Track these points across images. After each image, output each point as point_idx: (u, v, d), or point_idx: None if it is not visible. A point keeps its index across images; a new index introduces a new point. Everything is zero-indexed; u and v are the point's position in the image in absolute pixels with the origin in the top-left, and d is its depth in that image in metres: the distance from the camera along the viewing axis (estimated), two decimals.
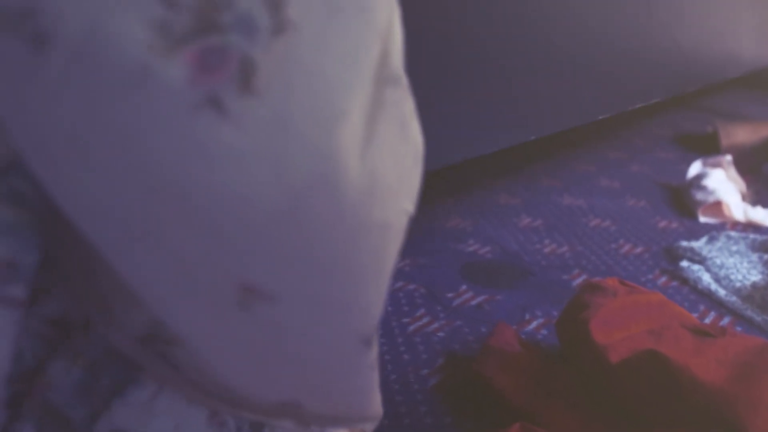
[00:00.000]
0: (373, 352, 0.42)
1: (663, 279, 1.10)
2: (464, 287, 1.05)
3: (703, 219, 1.37)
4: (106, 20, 0.29)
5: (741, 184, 1.49)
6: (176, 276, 0.35)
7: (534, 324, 0.94)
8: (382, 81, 0.35)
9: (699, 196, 1.41)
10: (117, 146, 0.30)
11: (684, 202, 1.46)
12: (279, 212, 0.33)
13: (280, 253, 0.34)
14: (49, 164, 0.32)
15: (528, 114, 1.19)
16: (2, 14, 0.29)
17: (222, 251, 0.33)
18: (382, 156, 0.35)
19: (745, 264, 1.11)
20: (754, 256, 1.14)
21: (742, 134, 1.80)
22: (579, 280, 1.09)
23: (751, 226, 1.34)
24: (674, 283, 1.08)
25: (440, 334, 0.91)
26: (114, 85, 0.29)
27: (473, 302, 1.00)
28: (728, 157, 1.53)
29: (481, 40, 0.97)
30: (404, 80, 0.37)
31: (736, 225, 1.34)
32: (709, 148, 1.90)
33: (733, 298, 1.02)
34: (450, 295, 1.02)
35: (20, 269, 0.35)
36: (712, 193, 1.39)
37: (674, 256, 1.18)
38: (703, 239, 1.24)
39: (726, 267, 1.10)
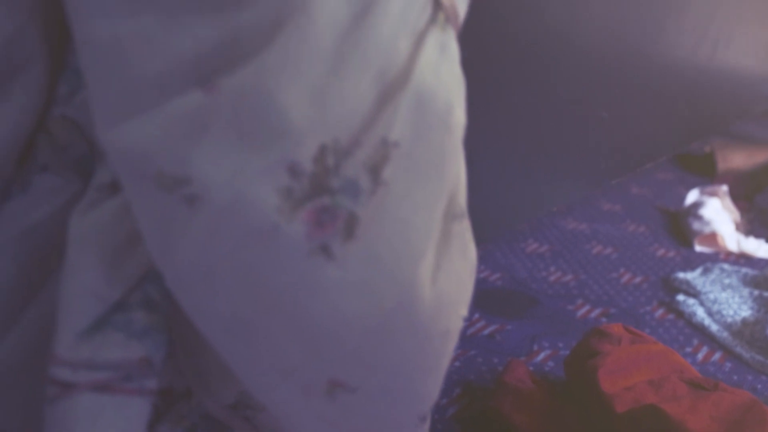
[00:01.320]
0: (427, 424, 0.50)
1: (660, 311, 1.18)
2: (477, 315, 1.13)
3: (698, 248, 1.46)
4: (246, 188, 0.37)
5: (735, 214, 1.58)
6: (277, 369, 0.43)
7: (541, 356, 1.03)
8: (450, 218, 0.43)
9: (696, 225, 1.49)
10: (247, 280, 0.38)
11: (681, 229, 1.55)
12: (368, 329, 0.41)
13: (366, 359, 0.42)
14: (187, 288, 0.40)
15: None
16: (163, 178, 0.37)
17: (320, 357, 0.41)
18: (448, 278, 0.43)
19: (737, 299, 1.20)
20: (746, 291, 1.22)
21: (738, 159, 1.88)
22: (583, 311, 1.17)
23: (743, 257, 1.42)
24: (671, 316, 1.17)
25: (456, 363, 0.99)
26: (250, 237, 0.37)
27: (485, 331, 1.09)
28: (724, 187, 1.62)
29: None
30: (466, 214, 0.45)
31: (729, 255, 1.43)
32: (706, 170, 1.98)
33: (725, 334, 1.10)
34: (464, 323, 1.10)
35: (154, 365, 0.42)
36: (708, 223, 1.48)
37: (671, 287, 1.26)
38: (698, 270, 1.32)
39: (719, 302, 1.19)
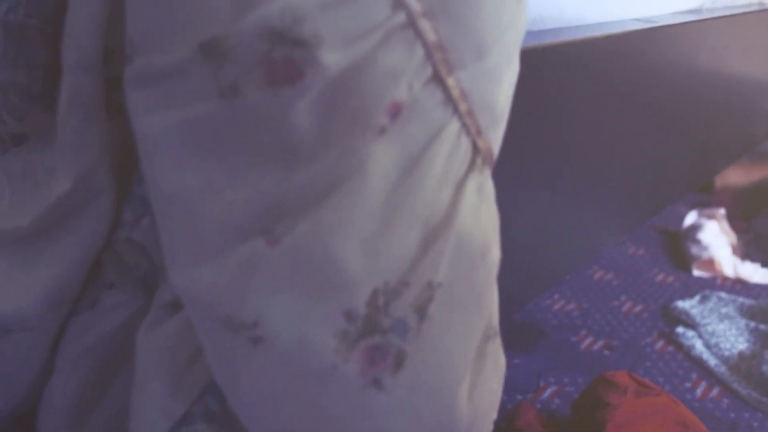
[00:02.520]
0: None
1: (660, 343, 1.23)
2: None
3: (696, 273, 1.50)
4: (308, 333, 0.40)
5: (732, 237, 1.63)
6: None
7: (548, 392, 1.08)
8: (485, 338, 0.47)
9: (694, 250, 1.54)
10: (305, 408, 0.42)
11: (680, 251, 1.59)
12: None
13: None
14: (248, 409, 0.44)
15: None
16: (231, 322, 0.41)
17: None
18: (483, 393, 0.47)
19: (734, 331, 1.25)
20: (742, 323, 1.27)
21: (735, 176, 1.93)
22: (586, 343, 1.22)
23: (739, 282, 1.47)
24: (670, 348, 1.22)
25: None
26: (310, 375, 0.41)
27: None
28: (721, 211, 1.67)
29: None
30: (498, 332, 0.49)
31: (726, 280, 1.48)
32: (704, 187, 2.02)
33: (722, 368, 1.15)
34: None
35: None
36: (705, 248, 1.52)
37: (671, 317, 1.31)
38: (697, 298, 1.37)
39: (716, 334, 1.23)
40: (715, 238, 1.57)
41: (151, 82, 0.39)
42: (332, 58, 0.37)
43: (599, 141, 0.83)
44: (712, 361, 1.17)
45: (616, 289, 1.42)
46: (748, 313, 1.32)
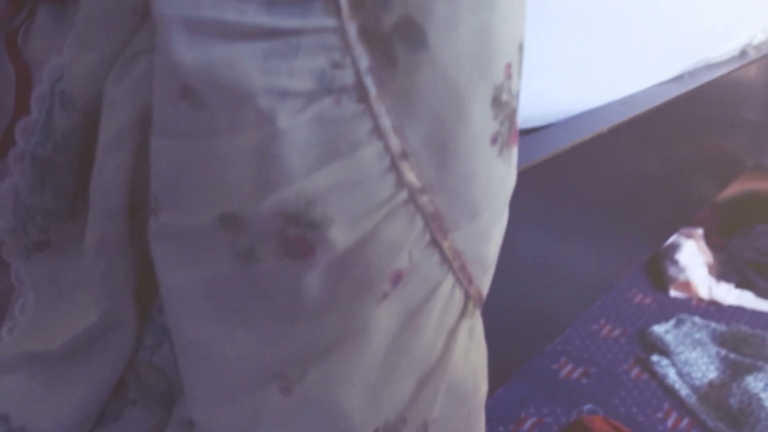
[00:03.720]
0: None
1: (636, 371, 1.30)
2: None
3: (673, 293, 1.57)
4: None
5: (708, 257, 1.69)
6: None
7: (528, 423, 1.14)
8: None
9: (671, 270, 1.60)
10: None
11: (658, 270, 1.66)
12: None
13: None
14: None
15: None
16: None
17: None
18: None
19: (705, 359, 1.32)
20: (714, 350, 1.34)
21: None
22: (566, 370, 1.28)
23: (713, 304, 1.54)
24: (645, 376, 1.29)
25: None
26: None
27: None
28: (699, 230, 1.73)
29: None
30: None
31: (701, 302, 1.55)
32: None
33: (693, 399, 1.22)
34: None
35: None
36: (682, 270, 1.59)
37: (647, 342, 1.38)
38: (672, 321, 1.44)
39: (689, 363, 1.30)
40: (692, 258, 1.63)
41: (174, 238, 0.43)
42: (341, 237, 0.41)
43: (595, 211, 0.87)
44: (684, 391, 1.24)
45: (595, 311, 1.48)
46: (719, 339, 1.38)
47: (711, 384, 1.25)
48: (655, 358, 1.31)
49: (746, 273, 1.61)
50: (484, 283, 0.49)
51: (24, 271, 0.56)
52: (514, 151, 0.48)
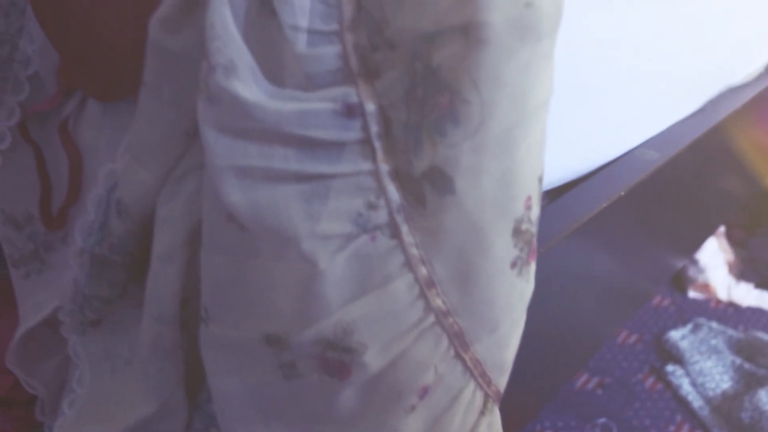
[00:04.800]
0: None
1: (650, 380, 1.33)
2: None
3: (692, 294, 1.59)
4: None
5: (729, 254, 1.70)
6: None
7: None
8: None
9: (691, 271, 1.62)
10: None
11: (678, 270, 1.67)
12: None
13: None
14: None
15: None
16: None
17: None
18: None
19: (720, 368, 1.34)
20: (729, 359, 1.36)
21: None
22: (581, 381, 1.32)
23: (732, 306, 1.56)
24: (659, 387, 1.32)
25: None
26: None
27: None
28: (721, 228, 1.73)
29: None
30: None
31: (719, 303, 1.56)
32: None
33: (705, 411, 1.25)
34: None
35: None
36: (702, 271, 1.60)
37: (663, 350, 1.40)
38: (689, 326, 1.46)
39: (703, 373, 1.33)
40: (713, 258, 1.64)
41: (222, 347, 0.48)
42: (375, 360, 0.45)
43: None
44: (696, 403, 1.27)
45: None
46: (736, 347, 1.40)
47: (724, 395, 1.28)
48: (669, 368, 1.34)
49: (766, 274, 1.62)
50: (502, 383, 0.53)
51: (80, 346, 0.61)
52: (533, 266, 0.51)
